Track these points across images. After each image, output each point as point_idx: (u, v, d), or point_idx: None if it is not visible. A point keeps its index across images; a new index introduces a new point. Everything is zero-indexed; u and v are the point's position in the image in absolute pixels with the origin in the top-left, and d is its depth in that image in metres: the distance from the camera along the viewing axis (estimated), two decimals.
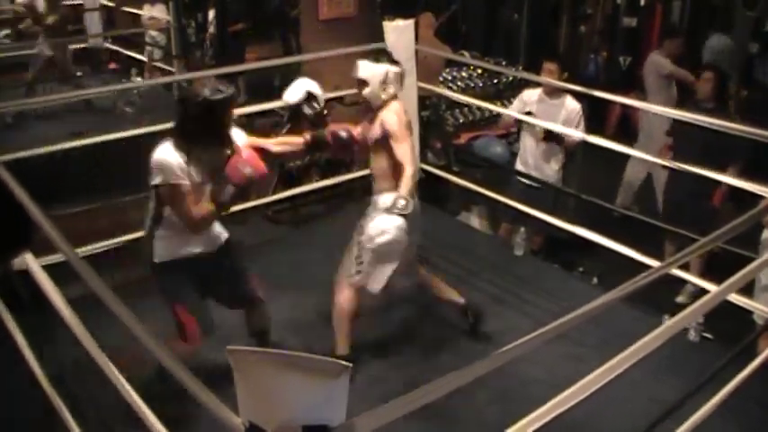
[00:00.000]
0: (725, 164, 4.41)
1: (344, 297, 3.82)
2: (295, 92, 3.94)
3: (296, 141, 3.82)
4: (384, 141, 3.67)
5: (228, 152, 3.23)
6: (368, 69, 3.74)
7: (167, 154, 3.12)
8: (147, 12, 8.53)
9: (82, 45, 8.62)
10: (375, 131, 3.72)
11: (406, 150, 3.62)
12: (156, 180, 3.15)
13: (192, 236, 3.31)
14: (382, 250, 3.40)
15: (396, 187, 3.56)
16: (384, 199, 3.68)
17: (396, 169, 3.63)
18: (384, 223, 3.38)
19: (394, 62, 3.83)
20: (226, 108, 3.17)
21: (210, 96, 3.07)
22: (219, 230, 3.51)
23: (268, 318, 3.80)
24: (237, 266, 3.66)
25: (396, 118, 3.67)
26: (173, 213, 3.23)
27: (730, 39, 7.20)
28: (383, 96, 3.73)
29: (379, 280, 3.72)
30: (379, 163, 3.78)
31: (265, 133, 4.01)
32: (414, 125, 5.63)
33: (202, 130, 3.14)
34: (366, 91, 3.75)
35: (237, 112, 5.86)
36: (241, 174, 3.17)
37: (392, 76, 3.75)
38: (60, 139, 4.69)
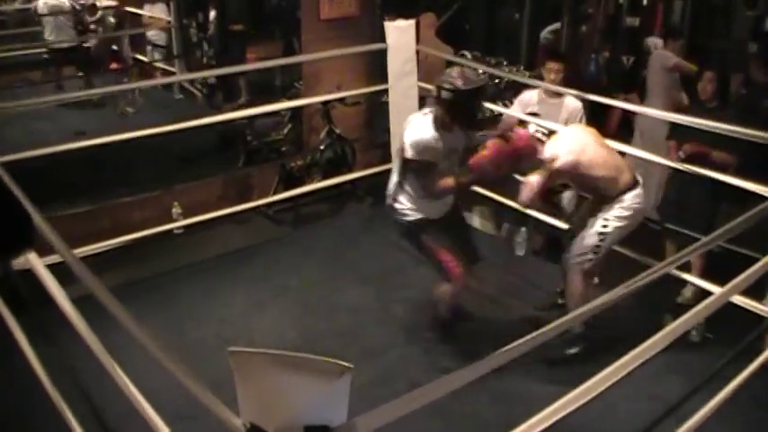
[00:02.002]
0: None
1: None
2: None
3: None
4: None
5: (480, 139, 3.73)
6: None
7: (422, 131, 3.59)
8: (148, 12, 8.53)
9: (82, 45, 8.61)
10: None
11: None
12: (410, 154, 3.60)
13: (432, 202, 3.77)
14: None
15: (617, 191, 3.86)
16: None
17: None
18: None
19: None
20: (475, 98, 3.60)
21: (463, 87, 3.50)
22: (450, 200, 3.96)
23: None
24: (465, 227, 4.27)
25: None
26: (416, 182, 3.69)
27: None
28: None
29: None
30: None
31: None
32: None
33: (455, 115, 3.59)
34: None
35: (240, 114, 5.94)
36: (482, 167, 3.60)
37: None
38: (62, 140, 4.69)
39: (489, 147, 3.62)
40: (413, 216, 3.81)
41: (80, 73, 8.06)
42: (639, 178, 3.92)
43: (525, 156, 3.74)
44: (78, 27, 8.04)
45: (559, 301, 4.33)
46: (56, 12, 7.76)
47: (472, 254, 4.04)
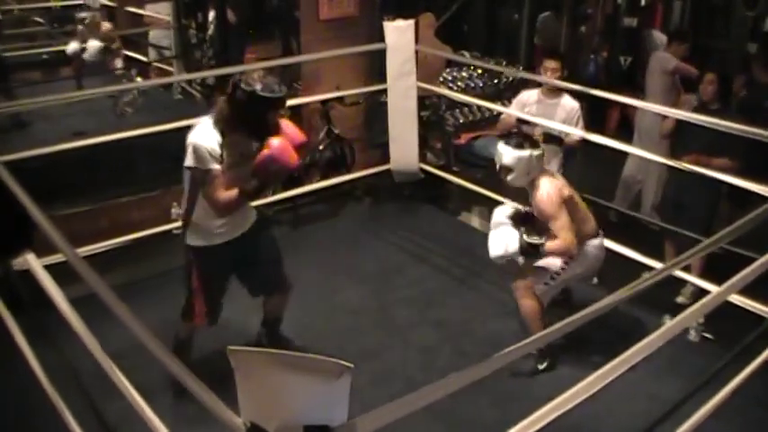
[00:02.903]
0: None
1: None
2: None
3: None
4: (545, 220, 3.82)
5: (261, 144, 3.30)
6: (511, 156, 3.79)
7: (203, 136, 3.23)
8: (150, 12, 8.53)
9: (83, 45, 8.59)
10: (537, 212, 3.87)
11: (561, 225, 3.74)
12: (189, 162, 3.26)
13: (224, 220, 3.40)
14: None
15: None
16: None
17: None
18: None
19: (535, 145, 3.88)
20: (271, 107, 3.26)
21: (260, 92, 3.18)
22: (250, 213, 3.61)
23: (284, 306, 3.92)
24: (271, 249, 3.76)
25: (546, 197, 3.77)
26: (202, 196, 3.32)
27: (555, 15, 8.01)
28: (525, 180, 3.84)
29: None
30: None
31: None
32: (414, 125, 5.66)
33: (243, 119, 3.24)
34: (510, 177, 3.84)
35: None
36: (266, 169, 3.24)
37: (535, 162, 3.81)
38: (61, 140, 4.68)
39: (272, 145, 3.23)
40: (194, 241, 3.49)
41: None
42: (600, 231, 4.01)
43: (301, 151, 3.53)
44: None
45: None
46: None
47: (271, 283, 3.83)
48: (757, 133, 3.79)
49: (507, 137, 3.95)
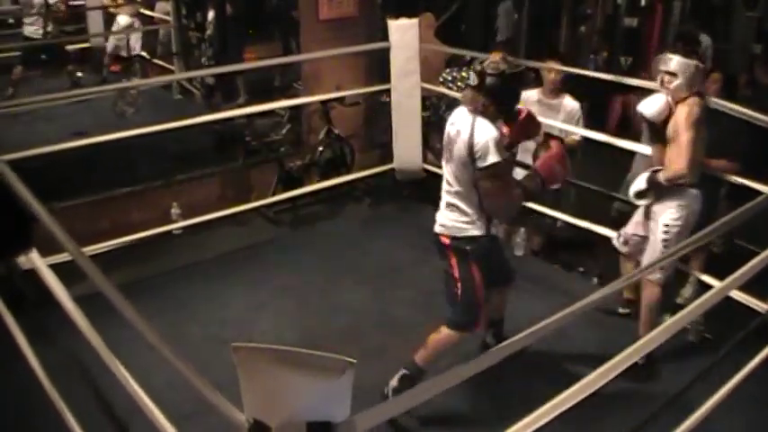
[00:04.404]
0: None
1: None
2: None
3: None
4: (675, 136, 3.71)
5: (543, 146, 3.36)
6: (677, 62, 3.68)
7: (488, 128, 3.10)
8: (159, 12, 8.59)
9: (83, 45, 8.62)
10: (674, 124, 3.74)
11: (681, 146, 3.65)
12: (491, 159, 3.07)
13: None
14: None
15: (689, 183, 3.75)
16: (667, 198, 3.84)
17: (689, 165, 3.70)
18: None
19: (701, 59, 3.79)
20: (521, 84, 3.26)
21: (509, 70, 3.11)
22: None
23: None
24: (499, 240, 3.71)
25: (687, 111, 3.66)
26: (488, 194, 3.17)
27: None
28: (686, 92, 3.70)
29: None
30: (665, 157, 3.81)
31: None
32: (417, 123, 5.66)
33: (500, 103, 3.15)
34: (674, 84, 3.69)
35: (239, 112, 5.94)
36: (551, 169, 3.29)
37: (700, 76, 3.75)
38: (61, 139, 4.69)
39: (553, 146, 3.34)
40: (476, 230, 3.30)
41: (79, 73, 8.06)
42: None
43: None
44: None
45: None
46: None
47: (510, 270, 3.80)
48: (760, 119, 3.88)
49: (673, 48, 3.93)
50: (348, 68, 5.91)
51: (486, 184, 3.14)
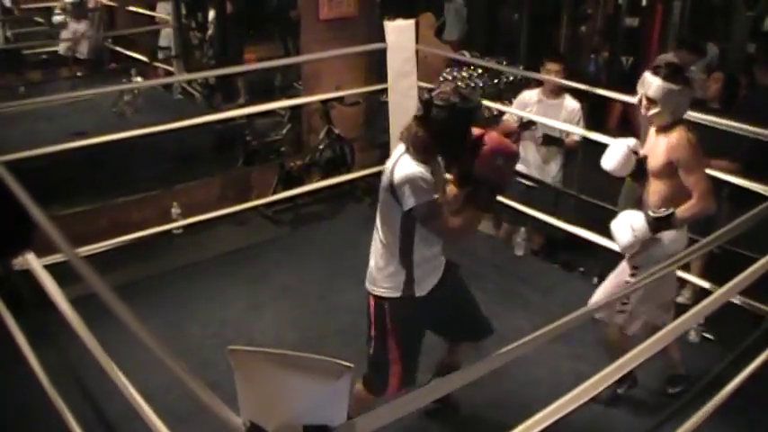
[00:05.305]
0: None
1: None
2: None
3: None
4: (669, 168, 3.26)
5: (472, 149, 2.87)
6: (658, 87, 3.21)
7: (410, 168, 2.79)
8: (160, 12, 8.57)
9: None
10: (657, 157, 3.30)
11: (701, 178, 3.21)
12: (411, 202, 2.76)
13: (434, 263, 3.00)
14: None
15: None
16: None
17: (672, 201, 3.26)
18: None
19: (687, 83, 3.30)
20: (471, 119, 2.85)
21: (461, 104, 2.77)
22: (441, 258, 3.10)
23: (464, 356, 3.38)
24: (465, 288, 3.26)
25: (687, 143, 3.21)
26: (432, 232, 2.89)
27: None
28: (668, 119, 3.27)
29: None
30: (657, 190, 3.35)
31: None
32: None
33: (444, 138, 2.81)
34: (652, 112, 3.27)
35: (239, 112, 5.94)
36: (495, 167, 2.83)
37: (685, 101, 3.26)
38: (60, 140, 4.69)
39: (484, 139, 2.84)
40: (391, 292, 2.98)
41: (78, 73, 8.06)
42: None
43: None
44: None
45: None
46: None
47: (475, 327, 3.28)
48: (757, 132, 3.79)
49: (657, 67, 3.31)
50: (348, 68, 5.91)
51: (424, 225, 2.85)
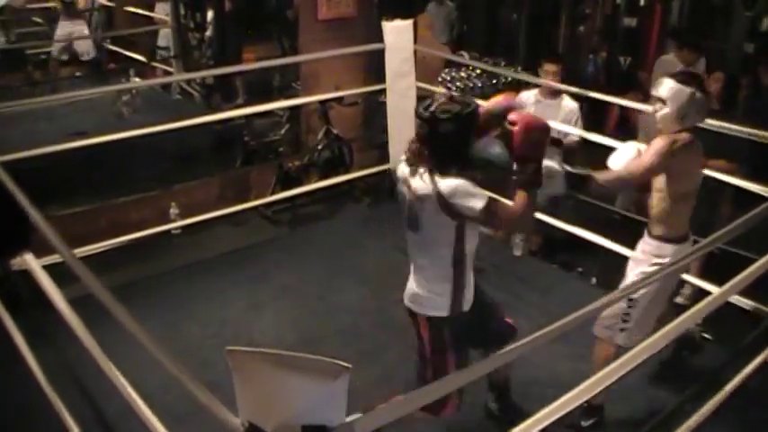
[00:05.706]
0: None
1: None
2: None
3: None
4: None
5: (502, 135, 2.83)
6: (669, 88, 3.11)
7: (453, 182, 2.74)
8: (159, 12, 8.57)
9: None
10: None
11: (640, 164, 3.14)
12: (476, 206, 2.71)
13: (471, 275, 2.99)
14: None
15: (669, 235, 3.25)
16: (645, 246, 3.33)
17: (671, 214, 3.22)
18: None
19: (702, 90, 3.15)
20: (477, 117, 2.82)
21: (464, 111, 2.74)
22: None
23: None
24: (489, 296, 3.24)
25: (663, 142, 3.09)
26: (497, 227, 2.89)
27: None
28: (676, 125, 3.13)
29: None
30: (655, 189, 3.28)
31: None
32: (412, 124, 5.64)
33: (462, 146, 2.81)
34: (661, 113, 3.14)
35: (238, 113, 5.94)
36: (534, 142, 2.77)
37: (697, 106, 3.10)
38: (59, 140, 4.68)
39: (512, 120, 2.76)
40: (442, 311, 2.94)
41: (78, 73, 8.07)
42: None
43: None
44: None
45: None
46: None
47: (502, 334, 3.07)
48: (753, 134, 3.79)
49: (675, 74, 3.24)
50: (347, 68, 5.91)
51: (489, 224, 2.90)
